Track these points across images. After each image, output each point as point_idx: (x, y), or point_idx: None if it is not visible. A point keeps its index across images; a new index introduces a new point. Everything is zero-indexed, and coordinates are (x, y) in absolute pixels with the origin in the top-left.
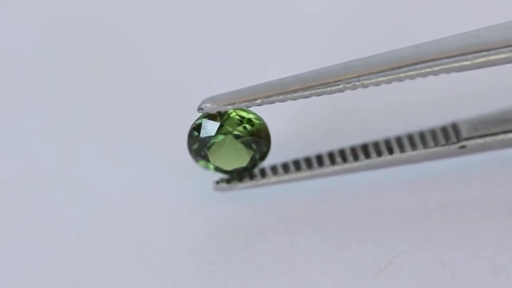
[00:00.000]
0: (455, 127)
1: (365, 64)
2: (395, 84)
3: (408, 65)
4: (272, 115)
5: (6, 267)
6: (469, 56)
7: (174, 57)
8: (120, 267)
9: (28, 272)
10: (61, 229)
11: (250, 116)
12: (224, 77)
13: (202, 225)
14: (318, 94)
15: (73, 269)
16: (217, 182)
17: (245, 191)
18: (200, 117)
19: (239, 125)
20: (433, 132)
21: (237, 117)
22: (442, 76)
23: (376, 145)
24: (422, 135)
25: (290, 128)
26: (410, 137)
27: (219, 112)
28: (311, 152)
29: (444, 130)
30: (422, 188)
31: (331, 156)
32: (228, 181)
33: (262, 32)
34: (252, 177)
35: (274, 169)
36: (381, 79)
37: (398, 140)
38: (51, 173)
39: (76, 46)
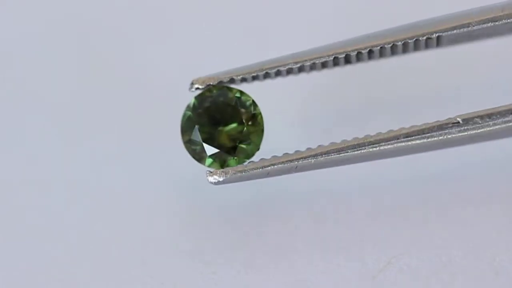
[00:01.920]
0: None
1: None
2: (391, 79)
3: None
4: (270, 105)
5: (6, 267)
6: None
7: (174, 57)
8: (120, 267)
9: (28, 272)
10: (61, 229)
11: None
12: None
13: (201, 226)
14: (309, 64)
15: (73, 269)
16: (210, 172)
17: (244, 192)
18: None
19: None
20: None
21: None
22: (440, 72)
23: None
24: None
25: (288, 119)
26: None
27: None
28: (307, 142)
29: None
30: (422, 188)
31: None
32: (221, 167)
33: (262, 32)
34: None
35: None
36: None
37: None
38: (51, 173)
39: (76, 46)
